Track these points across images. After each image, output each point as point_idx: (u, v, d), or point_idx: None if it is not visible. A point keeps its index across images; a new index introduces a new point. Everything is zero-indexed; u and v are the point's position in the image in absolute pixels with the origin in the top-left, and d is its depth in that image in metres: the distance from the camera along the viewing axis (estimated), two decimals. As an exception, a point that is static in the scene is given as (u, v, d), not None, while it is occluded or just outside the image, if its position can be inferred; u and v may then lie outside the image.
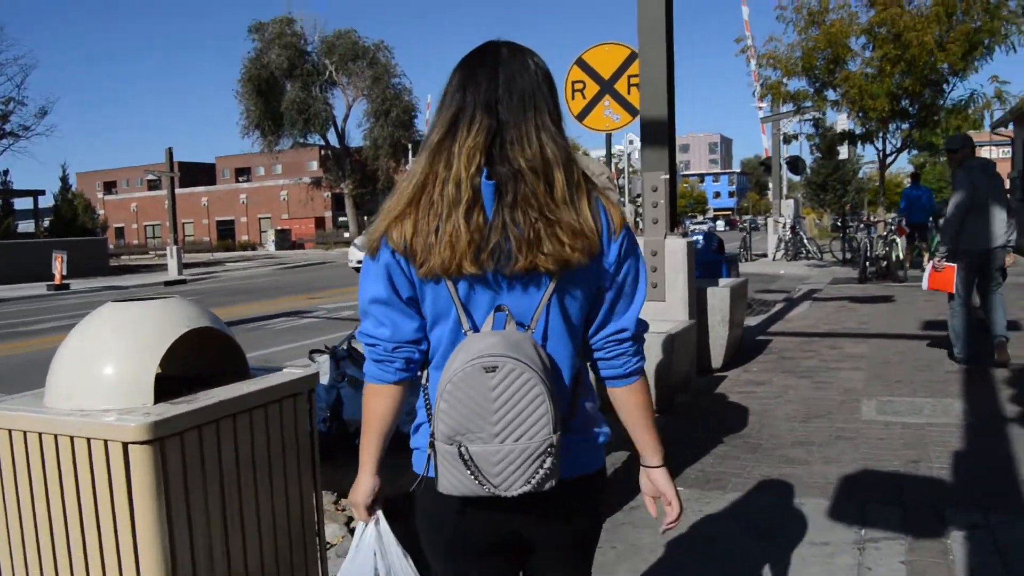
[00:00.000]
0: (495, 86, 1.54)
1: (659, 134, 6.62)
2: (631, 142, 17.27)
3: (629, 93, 8.01)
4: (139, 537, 1.94)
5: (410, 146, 47.72)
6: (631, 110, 7.90)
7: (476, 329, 1.54)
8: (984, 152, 42.29)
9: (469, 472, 1.45)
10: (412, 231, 1.50)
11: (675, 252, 6.53)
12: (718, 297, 7.16)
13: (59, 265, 23.23)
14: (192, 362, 2.41)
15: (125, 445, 1.91)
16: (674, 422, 5.59)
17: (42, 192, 34.76)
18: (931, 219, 15.09)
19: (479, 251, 1.48)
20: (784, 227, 22.91)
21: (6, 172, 39.41)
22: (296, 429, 2.37)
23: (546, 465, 1.44)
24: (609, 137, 9.44)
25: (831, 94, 15.45)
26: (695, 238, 8.63)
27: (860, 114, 14.29)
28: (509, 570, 1.71)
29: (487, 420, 1.43)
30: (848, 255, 19.67)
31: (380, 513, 1.74)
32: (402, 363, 1.61)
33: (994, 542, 3.42)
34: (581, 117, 8.91)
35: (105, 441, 1.93)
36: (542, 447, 1.43)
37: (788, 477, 4.36)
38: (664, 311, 6.51)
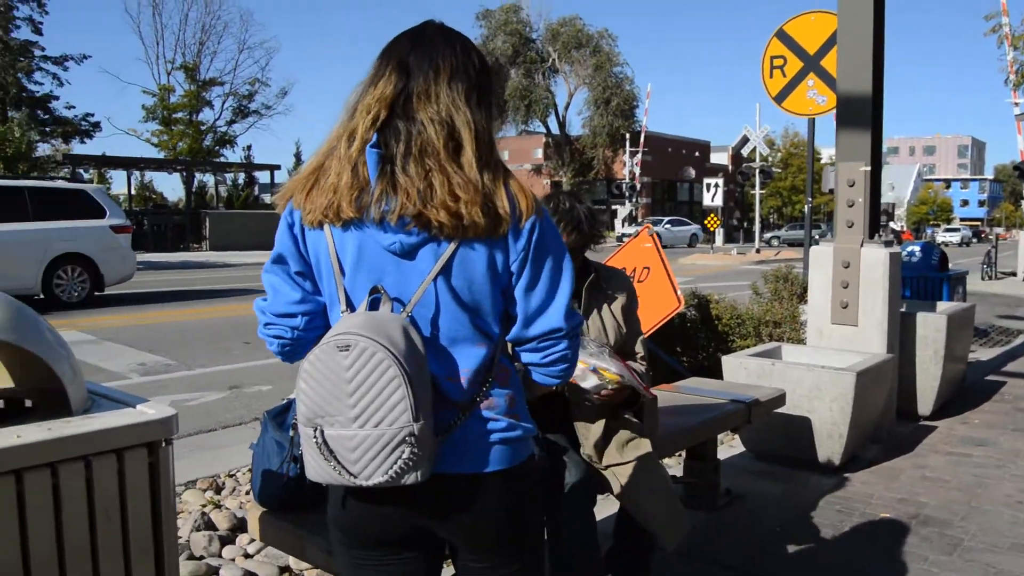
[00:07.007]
0: (409, 47, 1.51)
1: (859, 114, 5.23)
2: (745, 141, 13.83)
3: (838, 71, 6.63)
4: None
5: (628, 136, 46.74)
6: (842, 91, 6.50)
7: (353, 310, 1.48)
8: None
9: (323, 457, 1.37)
10: (312, 184, 1.47)
11: (873, 265, 5.13)
12: (931, 326, 5.63)
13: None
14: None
15: None
16: (849, 487, 4.29)
17: (277, 167, 37.03)
18: None
19: (360, 195, 1.43)
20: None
21: (248, 147, 42.63)
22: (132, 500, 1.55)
23: (404, 455, 1.34)
24: (812, 123, 7.96)
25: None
26: (910, 250, 7.02)
27: None
28: (418, 564, 1.58)
29: (344, 403, 1.35)
30: None
31: None
32: (276, 344, 1.57)
33: None
34: (780, 99, 7.58)
35: None
36: (400, 435, 1.33)
37: (995, 602, 3.03)
38: (854, 339, 5.16)
